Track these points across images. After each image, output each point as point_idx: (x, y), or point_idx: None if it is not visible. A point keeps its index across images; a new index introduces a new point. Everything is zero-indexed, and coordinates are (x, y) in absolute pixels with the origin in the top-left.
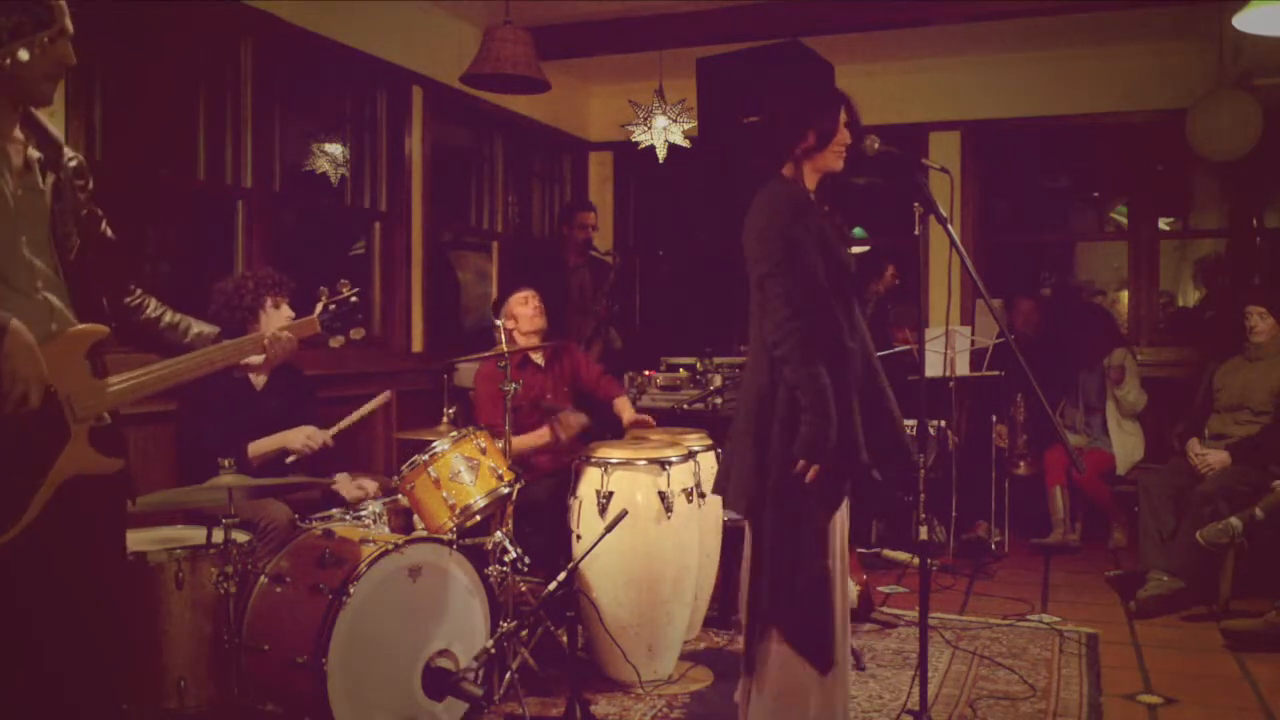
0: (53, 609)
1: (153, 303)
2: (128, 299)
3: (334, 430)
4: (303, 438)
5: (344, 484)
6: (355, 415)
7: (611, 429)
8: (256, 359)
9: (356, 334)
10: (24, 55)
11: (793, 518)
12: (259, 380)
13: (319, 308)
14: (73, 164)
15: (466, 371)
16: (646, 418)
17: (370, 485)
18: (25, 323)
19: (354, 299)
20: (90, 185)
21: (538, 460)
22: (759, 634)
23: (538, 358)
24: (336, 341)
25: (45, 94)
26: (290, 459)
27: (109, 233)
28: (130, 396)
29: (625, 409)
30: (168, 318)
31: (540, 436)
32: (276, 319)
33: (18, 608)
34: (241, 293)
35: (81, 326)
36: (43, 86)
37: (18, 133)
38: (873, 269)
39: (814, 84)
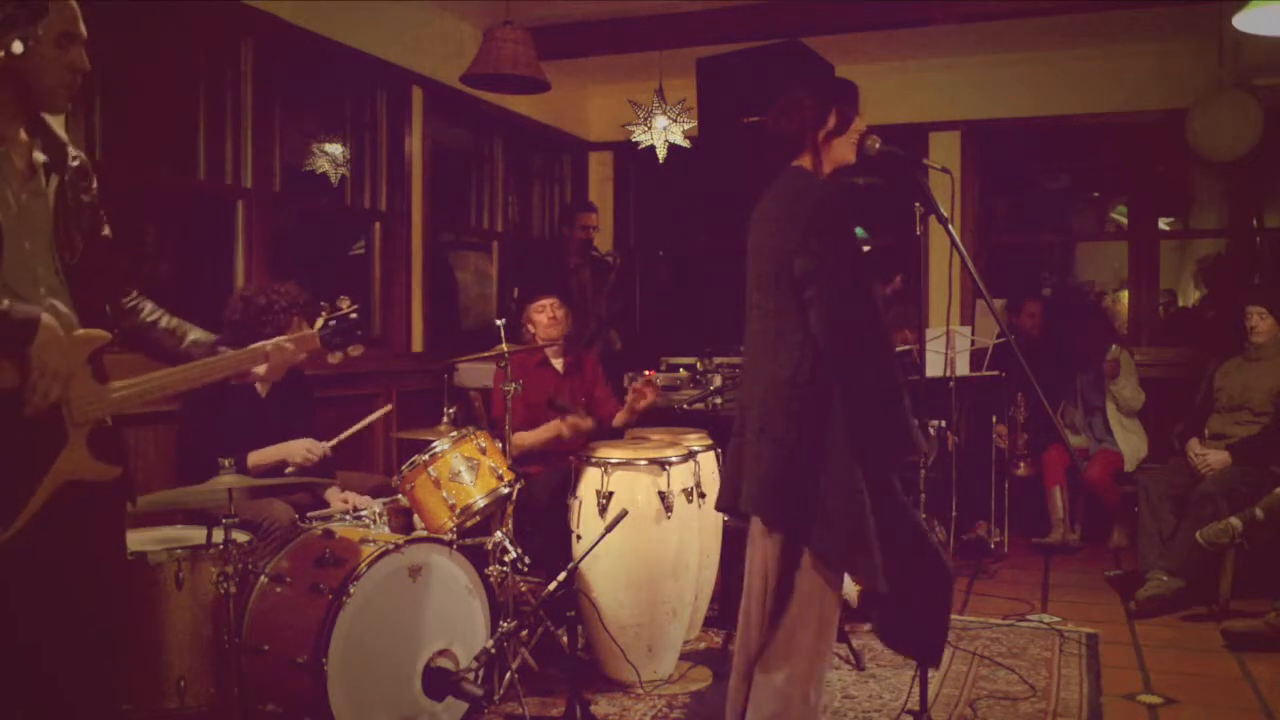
0: (49, 612)
1: (149, 305)
2: (125, 300)
3: (333, 441)
4: (303, 450)
5: (333, 496)
6: (356, 427)
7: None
8: (259, 369)
9: (354, 351)
10: (18, 47)
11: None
12: (263, 387)
13: (319, 323)
14: (75, 164)
15: (466, 371)
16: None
17: (356, 499)
18: None
19: (353, 315)
20: (94, 186)
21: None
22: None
23: (557, 363)
24: (335, 358)
25: (58, 100)
26: (289, 470)
27: (108, 233)
28: (133, 404)
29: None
30: (164, 321)
31: (549, 430)
32: None
33: (11, 610)
34: (274, 308)
35: (84, 331)
36: (57, 93)
37: (23, 135)
38: (875, 271)
39: (825, 76)
